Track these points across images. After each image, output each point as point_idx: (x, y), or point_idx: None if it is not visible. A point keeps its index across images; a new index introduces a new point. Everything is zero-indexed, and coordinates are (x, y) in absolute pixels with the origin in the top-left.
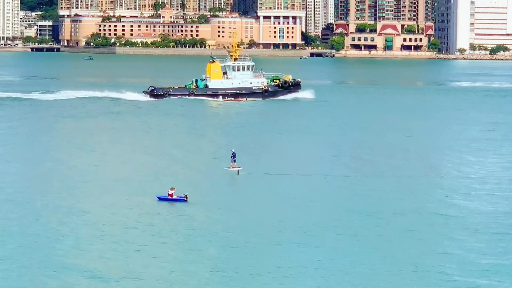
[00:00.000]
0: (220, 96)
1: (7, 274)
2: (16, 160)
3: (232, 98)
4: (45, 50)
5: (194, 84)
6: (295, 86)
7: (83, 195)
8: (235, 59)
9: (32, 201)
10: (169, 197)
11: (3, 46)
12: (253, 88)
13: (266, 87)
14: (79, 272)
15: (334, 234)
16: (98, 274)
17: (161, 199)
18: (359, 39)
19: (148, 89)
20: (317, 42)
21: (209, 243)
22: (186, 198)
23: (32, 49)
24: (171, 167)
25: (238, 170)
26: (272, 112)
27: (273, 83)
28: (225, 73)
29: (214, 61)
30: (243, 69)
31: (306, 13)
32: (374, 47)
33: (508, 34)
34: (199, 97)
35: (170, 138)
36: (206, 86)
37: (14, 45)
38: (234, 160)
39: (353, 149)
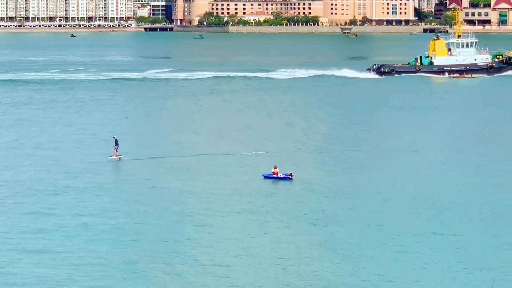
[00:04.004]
0: (446, 73)
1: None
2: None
3: (458, 75)
4: (158, 30)
5: (418, 61)
6: None
7: (192, 172)
8: (459, 36)
9: (141, 178)
10: (274, 175)
11: (117, 26)
12: (478, 64)
13: (491, 63)
14: (202, 249)
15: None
16: (205, 251)
17: (266, 177)
18: (472, 14)
19: (373, 66)
20: (430, 18)
21: (315, 222)
22: (291, 176)
23: (145, 29)
24: (293, 144)
25: (119, 157)
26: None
27: (496, 59)
28: (449, 50)
29: (438, 38)
30: (467, 45)
31: None
32: (488, 22)
33: None
34: (425, 74)
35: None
36: (431, 63)
37: (127, 25)
38: (116, 148)
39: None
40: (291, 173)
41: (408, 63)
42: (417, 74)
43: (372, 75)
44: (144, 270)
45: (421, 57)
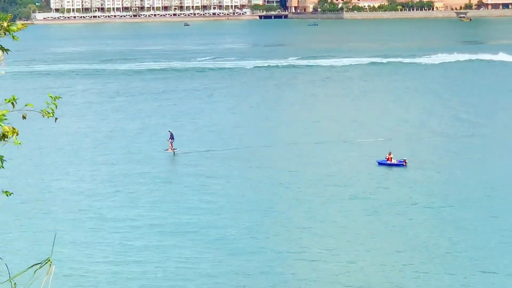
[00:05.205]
0: None
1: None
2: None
3: None
4: (273, 17)
5: None
6: None
7: (305, 159)
8: None
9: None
10: (388, 161)
11: (232, 14)
12: None
13: None
14: (315, 236)
15: None
16: (318, 238)
17: (380, 163)
18: None
19: None
20: None
21: (428, 209)
22: (405, 163)
23: (260, 16)
24: (399, 131)
25: (174, 151)
26: None
27: None
28: None
29: None
30: None
31: None
32: None
33: None
34: None
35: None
36: None
37: (242, 13)
38: (171, 142)
39: None
40: (405, 159)
41: None
42: None
43: None
44: (256, 260)
45: None
